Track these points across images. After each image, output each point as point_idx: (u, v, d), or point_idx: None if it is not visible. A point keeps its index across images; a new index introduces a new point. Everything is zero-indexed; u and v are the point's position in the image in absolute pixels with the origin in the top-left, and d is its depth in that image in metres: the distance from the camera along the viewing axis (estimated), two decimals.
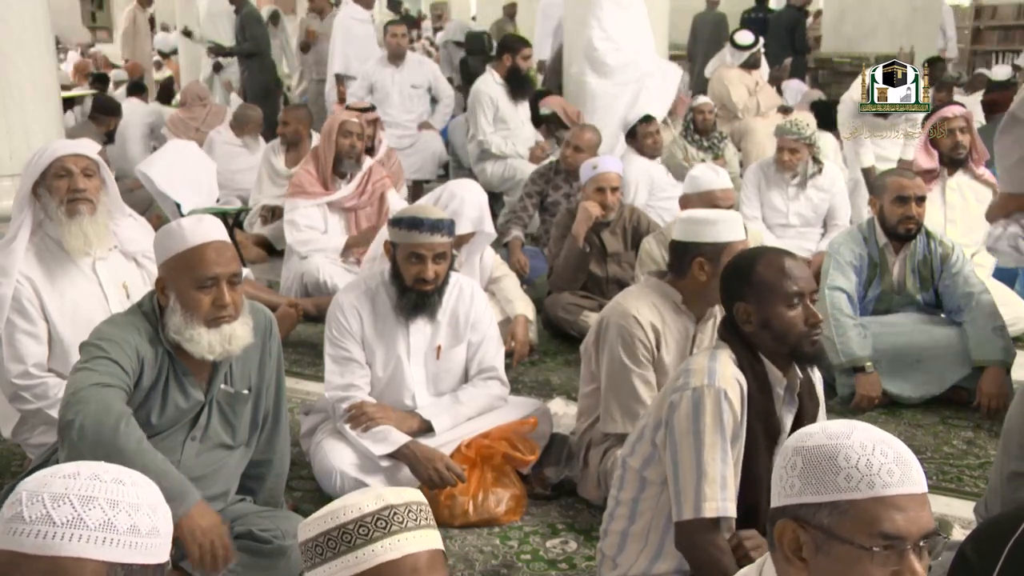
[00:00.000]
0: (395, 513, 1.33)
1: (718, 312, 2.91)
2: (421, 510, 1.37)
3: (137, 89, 8.83)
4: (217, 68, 9.69)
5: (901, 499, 1.29)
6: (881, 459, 1.30)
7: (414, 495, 1.39)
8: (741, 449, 2.19)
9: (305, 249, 4.89)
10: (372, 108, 5.95)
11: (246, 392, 2.52)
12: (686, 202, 3.93)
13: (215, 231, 2.38)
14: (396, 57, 7.42)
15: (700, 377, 2.18)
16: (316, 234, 4.94)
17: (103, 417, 2.19)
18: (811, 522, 1.33)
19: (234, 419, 2.52)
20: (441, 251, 2.99)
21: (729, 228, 2.78)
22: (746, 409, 2.19)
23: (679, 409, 2.18)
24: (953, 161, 4.52)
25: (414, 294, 2.99)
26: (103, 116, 7.46)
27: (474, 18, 14.67)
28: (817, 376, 2.40)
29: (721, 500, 2.13)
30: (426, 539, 1.35)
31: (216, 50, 9.55)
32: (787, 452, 1.38)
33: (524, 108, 6.93)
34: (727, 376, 2.18)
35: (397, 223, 2.99)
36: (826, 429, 1.36)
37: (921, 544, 1.30)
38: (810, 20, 12.01)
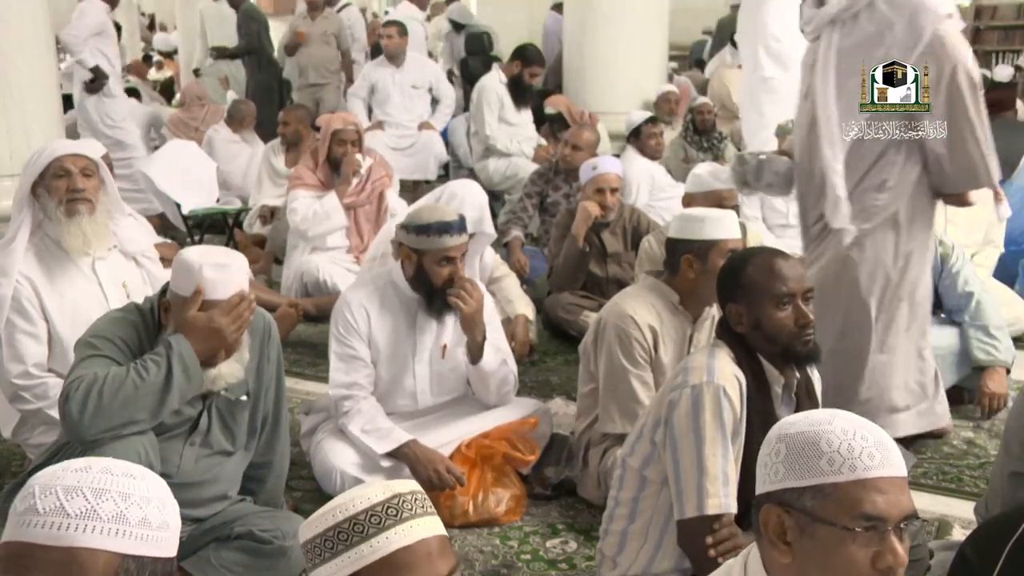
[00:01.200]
0: (404, 501, 1.34)
1: (715, 312, 2.92)
2: (425, 498, 1.39)
3: (130, 92, 8.83)
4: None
5: (882, 482, 1.33)
6: (862, 443, 1.35)
7: (415, 485, 1.40)
8: (741, 446, 2.20)
9: (307, 227, 4.85)
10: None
11: (244, 398, 2.52)
12: (690, 200, 3.92)
13: (232, 286, 2.31)
14: (394, 57, 7.42)
15: (699, 374, 2.19)
16: (317, 209, 4.90)
17: (113, 370, 2.23)
18: (795, 506, 1.37)
19: (233, 425, 2.52)
20: (465, 249, 3.05)
21: (718, 226, 2.79)
22: (746, 406, 2.19)
23: (679, 407, 2.18)
24: None
25: (444, 294, 3.00)
26: None
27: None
28: (816, 376, 2.40)
29: (723, 496, 2.13)
30: (435, 525, 1.36)
31: (219, 53, 9.54)
32: (771, 440, 1.43)
33: (527, 112, 6.94)
34: (726, 373, 2.19)
35: (424, 230, 2.96)
36: (808, 417, 1.41)
37: (901, 526, 1.34)
38: None
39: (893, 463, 1.35)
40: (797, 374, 2.30)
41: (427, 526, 1.34)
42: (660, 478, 2.28)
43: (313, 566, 1.34)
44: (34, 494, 1.14)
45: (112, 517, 1.14)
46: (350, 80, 8.41)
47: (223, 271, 2.31)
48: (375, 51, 9.05)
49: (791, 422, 1.42)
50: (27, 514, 1.13)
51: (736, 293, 2.25)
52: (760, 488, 1.43)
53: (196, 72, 10.42)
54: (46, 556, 1.12)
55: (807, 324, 2.21)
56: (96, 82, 6.83)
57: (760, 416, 2.22)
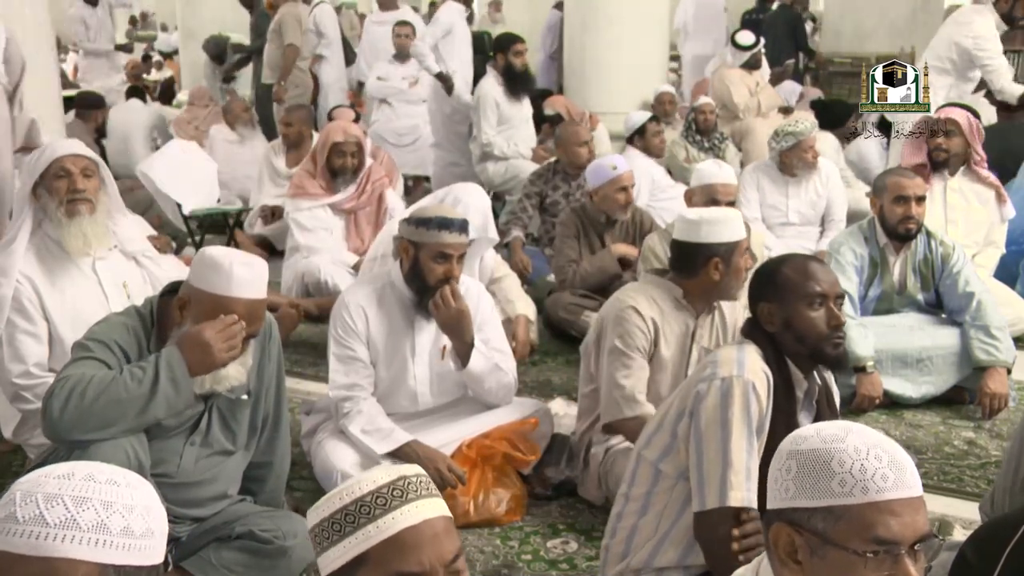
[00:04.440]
0: (409, 483, 1.36)
1: (723, 305, 2.93)
2: (429, 481, 1.40)
3: (136, 91, 8.83)
4: (228, 80, 9.65)
5: (895, 504, 1.29)
6: (875, 464, 1.30)
7: (419, 468, 1.41)
8: (763, 443, 2.19)
9: (315, 248, 4.87)
10: (357, 118, 5.94)
11: (245, 398, 2.52)
12: (690, 195, 4.00)
13: (257, 287, 2.34)
14: (401, 56, 7.68)
15: (729, 367, 2.19)
16: (325, 235, 4.91)
17: (100, 373, 2.23)
18: (805, 526, 1.33)
19: (234, 424, 2.52)
20: (463, 251, 3.03)
21: (738, 226, 2.84)
22: (771, 403, 2.20)
23: (707, 398, 2.18)
24: (934, 163, 4.50)
25: (436, 293, 2.99)
26: (88, 111, 7.46)
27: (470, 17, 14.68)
28: (835, 388, 2.42)
29: (746, 491, 2.13)
30: (440, 506, 1.38)
31: (236, 50, 9.56)
32: (782, 455, 1.38)
33: (524, 106, 6.93)
34: (755, 368, 2.19)
35: (424, 223, 2.96)
36: (820, 432, 1.36)
37: (916, 548, 1.30)
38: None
39: (908, 483, 1.30)
40: (819, 382, 2.31)
41: (432, 507, 1.36)
42: (676, 472, 2.27)
43: (322, 549, 1.35)
44: (15, 501, 1.12)
45: (92, 526, 1.11)
46: (283, 77, 8.05)
47: (250, 270, 2.33)
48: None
49: (803, 436, 1.37)
50: (6, 522, 1.11)
51: (769, 292, 2.27)
52: (770, 503, 1.39)
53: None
54: (23, 567, 1.09)
55: (839, 325, 2.24)
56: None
57: (783, 416, 2.22)
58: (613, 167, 4.54)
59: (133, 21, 18.07)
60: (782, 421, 2.21)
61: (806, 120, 5.34)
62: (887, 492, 1.28)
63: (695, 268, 2.82)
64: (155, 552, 1.17)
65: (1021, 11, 5.67)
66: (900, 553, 1.28)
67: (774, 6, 10.85)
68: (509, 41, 6.87)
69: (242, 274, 2.31)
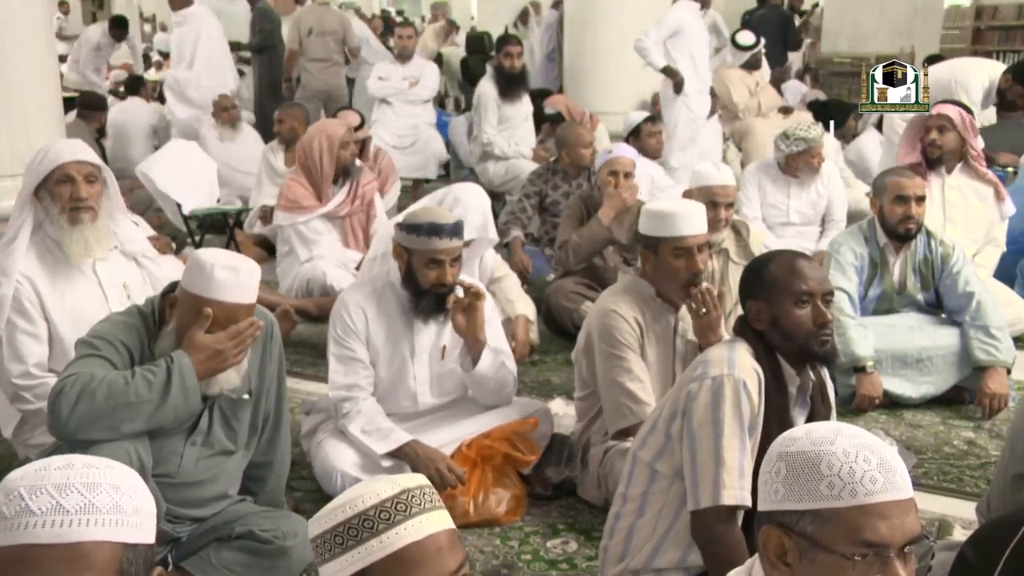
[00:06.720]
0: (412, 496, 1.35)
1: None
2: (434, 493, 1.39)
3: (136, 87, 8.80)
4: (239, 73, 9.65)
5: (884, 506, 1.29)
6: (864, 466, 1.29)
7: (423, 479, 1.40)
8: (757, 441, 2.20)
9: (317, 254, 4.84)
10: (361, 124, 5.88)
11: (246, 397, 2.52)
12: (689, 196, 3.97)
13: (240, 291, 2.33)
14: (403, 57, 7.72)
15: (720, 366, 2.20)
16: (326, 241, 4.86)
17: (111, 375, 2.24)
18: (795, 529, 1.33)
19: (235, 423, 2.52)
20: (457, 254, 3.01)
21: (671, 223, 2.84)
22: (763, 401, 2.20)
23: (698, 398, 2.19)
24: (929, 160, 4.49)
25: (432, 296, 2.99)
26: (91, 112, 7.46)
27: (473, 18, 14.66)
28: (830, 383, 2.41)
29: (739, 489, 2.13)
30: (444, 519, 1.37)
31: (234, 47, 9.55)
32: (771, 457, 1.38)
33: (524, 105, 6.93)
34: (746, 367, 2.20)
35: (415, 229, 2.96)
36: (810, 434, 1.36)
37: (906, 550, 1.30)
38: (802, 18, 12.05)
39: (897, 486, 1.30)
40: (812, 377, 2.31)
41: (436, 520, 1.35)
42: (672, 471, 2.27)
43: (323, 561, 1.35)
44: (22, 496, 1.12)
45: (109, 508, 1.14)
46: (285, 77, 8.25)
47: (234, 274, 2.31)
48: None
49: (793, 438, 1.37)
50: (21, 516, 1.11)
51: (757, 290, 2.28)
52: (761, 505, 1.39)
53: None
54: (50, 555, 1.10)
55: (825, 323, 2.22)
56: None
57: (776, 413, 2.23)
58: (609, 151, 4.77)
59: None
60: (775, 418, 2.21)
61: (817, 127, 5.37)
62: (876, 495, 1.28)
63: (639, 260, 2.92)
64: (153, 531, 1.20)
65: None
66: (889, 556, 1.28)
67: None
68: (502, 42, 6.91)
69: (223, 277, 2.30)
